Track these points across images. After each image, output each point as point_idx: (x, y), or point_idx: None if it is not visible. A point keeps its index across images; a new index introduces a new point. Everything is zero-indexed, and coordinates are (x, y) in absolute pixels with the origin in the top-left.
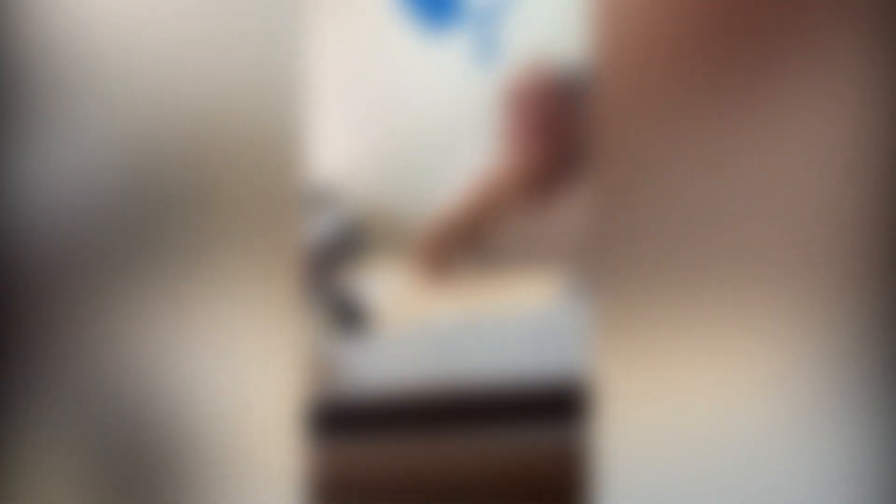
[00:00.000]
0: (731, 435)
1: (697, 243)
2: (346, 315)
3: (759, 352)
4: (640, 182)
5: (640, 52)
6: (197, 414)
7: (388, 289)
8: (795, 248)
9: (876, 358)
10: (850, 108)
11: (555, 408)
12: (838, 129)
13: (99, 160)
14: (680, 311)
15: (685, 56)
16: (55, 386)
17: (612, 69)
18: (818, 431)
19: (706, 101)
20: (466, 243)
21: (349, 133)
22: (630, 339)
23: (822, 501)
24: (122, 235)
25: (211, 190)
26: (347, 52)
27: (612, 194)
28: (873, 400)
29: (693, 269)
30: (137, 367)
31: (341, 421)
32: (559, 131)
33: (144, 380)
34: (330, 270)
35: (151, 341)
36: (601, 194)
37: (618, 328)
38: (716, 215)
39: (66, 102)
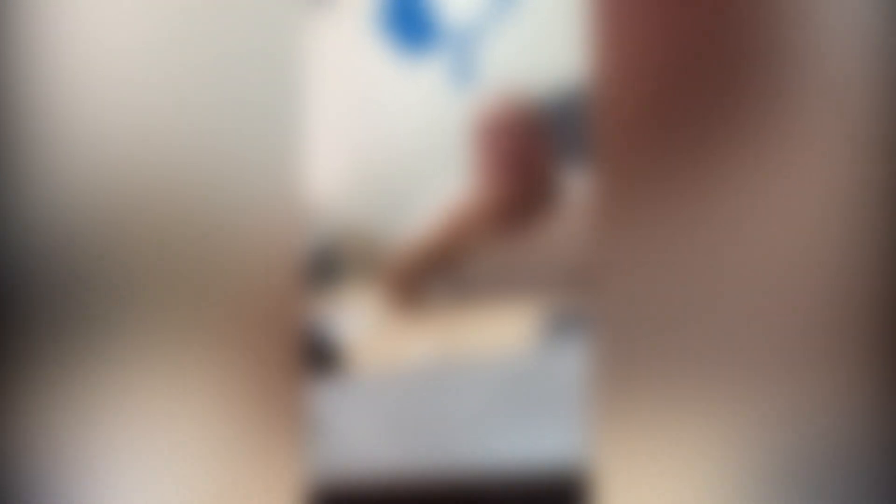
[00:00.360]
0: None
1: (705, 286)
2: (317, 354)
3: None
4: (641, 216)
5: (643, 75)
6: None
7: (360, 323)
8: (810, 284)
9: (881, 435)
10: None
11: (551, 497)
12: (843, 161)
13: (86, 196)
14: (689, 375)
15: (688, 81)
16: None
17: (612, 93)
18: None
19: (708, 128)
20: (438, 273)
21: (320, 157)
22: (632, 415)
23: None
24: (99, 287)
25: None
26: (320, 74)
27: (613, 227)
28: (879, 476)
29: (701, 324)
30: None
31: None
32: (532, 162)
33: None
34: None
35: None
36: (601, 229)
37: (619, 399)
38: (722, 258)
39: (52, 145)
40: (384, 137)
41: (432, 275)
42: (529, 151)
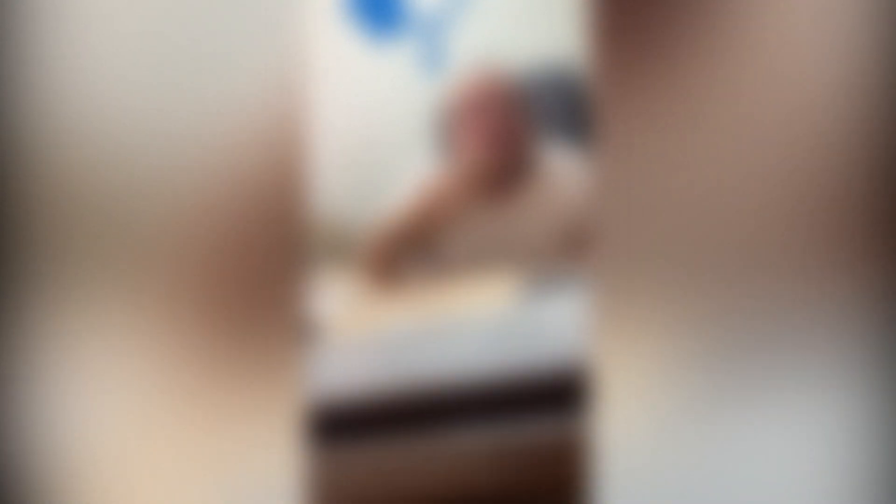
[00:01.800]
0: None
1: (696, 228)
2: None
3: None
4: (639, 172)
5: (633, 47)
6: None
7: (340, 297)
8: (788, 227)
9: (883, 345)
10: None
11: (538, 400)
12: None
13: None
14: (680, 301)
15: (673, 47)
16: None
17: (608, 65)
18: (819, 428)
19: (697, 90)
20: (414, 248)
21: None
22: (627, 329)
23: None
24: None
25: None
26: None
27: (612, 184)
28: (875, 387)
29: (693, 258)
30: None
31: (319, 430)
32: (508, 135)
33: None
34: None
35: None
36: (601, 185)
37: (614, 316)
38: (709, 202)
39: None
40: (358, 121)
41: (410, 250)
42: (507, 126)
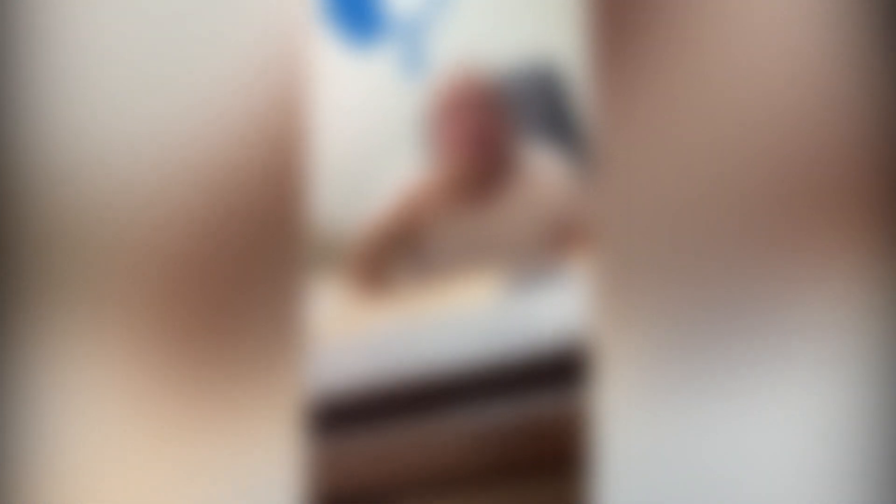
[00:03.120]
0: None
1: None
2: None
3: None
4: (634, 160)
5: (626, 42)
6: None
7: (330, 299)
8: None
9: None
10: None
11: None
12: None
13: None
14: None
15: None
16: None
17: (601, 60)
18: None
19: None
20: (400, 252)
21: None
22: (623, 313)
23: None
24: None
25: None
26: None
27: (608, 172)
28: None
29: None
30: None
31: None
32: (489, 136)
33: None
34: None
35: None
36: (598, 173)
37: (611, 301)
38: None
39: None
40: (340, 126)
41: (396, 252)
42: (488, 127)
